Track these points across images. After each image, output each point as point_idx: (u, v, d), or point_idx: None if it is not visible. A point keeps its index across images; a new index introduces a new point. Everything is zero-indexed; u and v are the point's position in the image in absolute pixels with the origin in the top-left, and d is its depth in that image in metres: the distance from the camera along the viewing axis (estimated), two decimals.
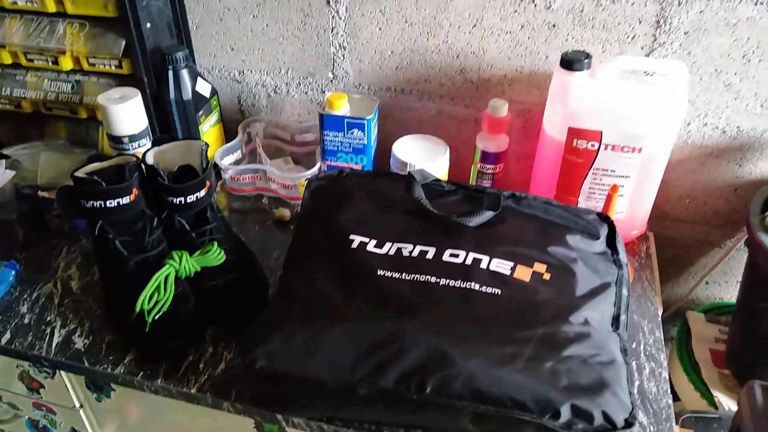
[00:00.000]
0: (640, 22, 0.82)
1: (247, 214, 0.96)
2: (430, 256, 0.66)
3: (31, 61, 0.93)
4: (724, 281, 1.04)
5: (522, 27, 0.87)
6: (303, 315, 0.63)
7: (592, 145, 0.80)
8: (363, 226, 0.71)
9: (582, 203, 0.85)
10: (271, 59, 1.02)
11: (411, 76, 0.97)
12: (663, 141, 0.80)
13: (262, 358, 0.60)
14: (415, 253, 0.67)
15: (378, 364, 0.57)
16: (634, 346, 0.73)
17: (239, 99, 1.09)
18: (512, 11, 0.86)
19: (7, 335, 0.73)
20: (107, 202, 0.70)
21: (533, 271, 0.65)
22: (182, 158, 0.79)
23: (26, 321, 0.75)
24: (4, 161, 0.90)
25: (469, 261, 0.65)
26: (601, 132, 0.78)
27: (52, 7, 0.88)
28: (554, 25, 0.85)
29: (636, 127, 0.77)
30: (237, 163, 1.03)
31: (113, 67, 0.91)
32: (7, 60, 0.93)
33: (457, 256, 0.66)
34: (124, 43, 0.88)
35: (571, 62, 0.78)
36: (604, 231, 0.73)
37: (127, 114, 0.84)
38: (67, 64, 0.91)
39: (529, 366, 0.56)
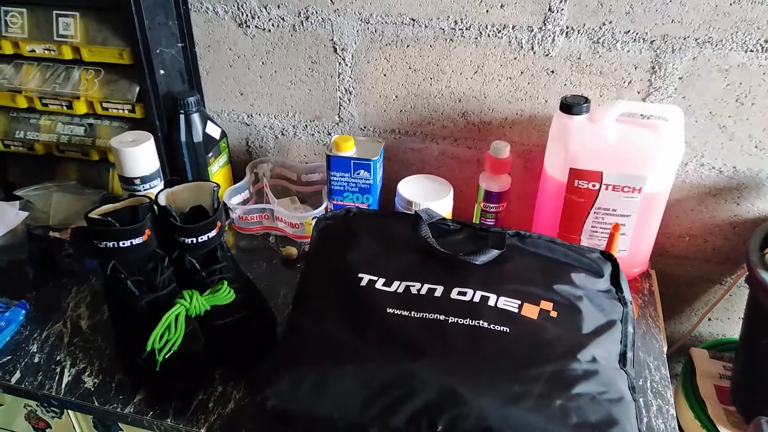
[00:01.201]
0: (635, 68, 0.86)
1: (255, 252, 0.97)
2: (438, 294, 0.67)
3: (46, 105, 0.95)
4: (726, 317, 1.05)
5: (522, 73, 0.90)
6: (312, 355, 0.64)
7: (593, 186, 0.82)
8: (371, 264, 0.72)
9: (584, 241, 0.87)
10: (279, 103, 1.05)
11: (415, 118, 1.00)
12: (662, 181, 0.82)
13: (273, 397, 0.60)
14: (423, 291, 0.68)
15: (389, 405, 0.58)
16: (640, 383, 0.74)
17: (247, 141, 1.12)
18: (512, 58, 0.89)
19: (17, 374, 0.74)
20: (120, 243, 0.72)
21: (540, 309, 0.66)
22: (193, 199, 0.81)
23: (36, 360, 0.76)
24: (17, 202, 0.92)
25: (476, 299, 0.66)
26: (602, 173, 0.81)
27: (68, 55, 0.92)
28: (553, 71, 0.89)
29: (635, 168, 0.80)
30: (245, 202, 1.05)
31: (126, 112, 0.94)
32: (23, 104, 0.96)
33: (464, 293, 0.67)
34: (138, 89, 0.91)
35: (570, 106, 0.81)
36: (607, 269, 0.74)
37: (140, 156, 0.86)
38: (81, 108, 0.94)
39: (540, 404, 0.56)
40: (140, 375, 0.73)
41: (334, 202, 0.96)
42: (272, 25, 0.97)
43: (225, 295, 0.76)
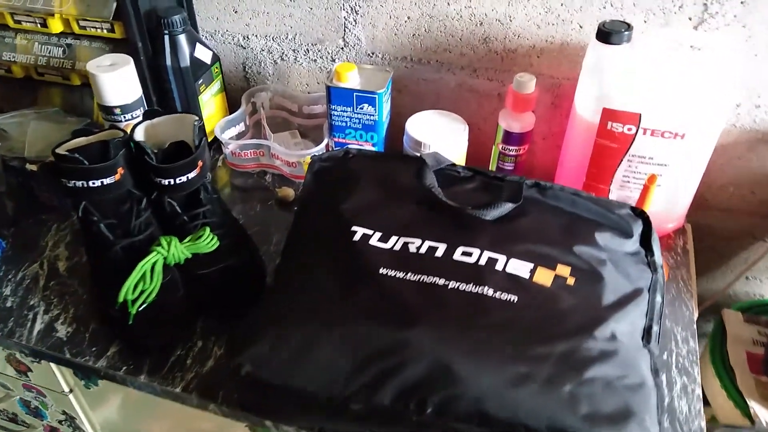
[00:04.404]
0: None
1: (249, 192, 0.90)
2: (439, 253, 0.59)
3: (19, 23, 0.86)
4: (766, 277, 0.95)
5: None
6: (297, 315, 0.57)
7: (629, 129, 0.71)
8: (367, 215, 0.64)
9: (614, 193, 0.77)
10: (277, 23, 0.94)
11: (429, 44, 0.88)
12: (710, 125, 0.71)
13: (249, 363, 0.54)
14: (422, 250, 0.60)
15: (375, 378, 0.51)
16: (665, 357, 0.66)
17: (244, 66, 1.01)
18: None
19: None
20: (90, 182, 0.65)
21: (556, 275, 0.58)
22: (175, 133, 0.72)
23: (8, 304, 0.71)
24: None
25: (483, 261, 0.58)
26: (640, 115, 0.69)
27: None
28: None
29: (680, 109, 0.68)
30: (240, 136, 0.96)
31: (105, 31, 0.84)
32: None
33: (470, 254, 0.59)
34: (115, 4, 0.81)
35: (608, 34, 0.69)
36: (638, 228, 0.65)
37: (118, 83, 0.77)
38: (56, 26, 0.85)
39: (546, 389, 0.49)
40: (115, 326, 0.67)
41: (335, 140, 0.87)
42: None
43: (207, 242, 0.69)
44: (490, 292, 0.55)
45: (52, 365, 0.76)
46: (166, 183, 0.67)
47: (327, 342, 0.54)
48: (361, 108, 0.82)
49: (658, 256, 0.64)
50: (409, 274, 0.57)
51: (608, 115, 0.71)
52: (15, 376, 0.82)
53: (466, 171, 0.70)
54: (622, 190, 0.76)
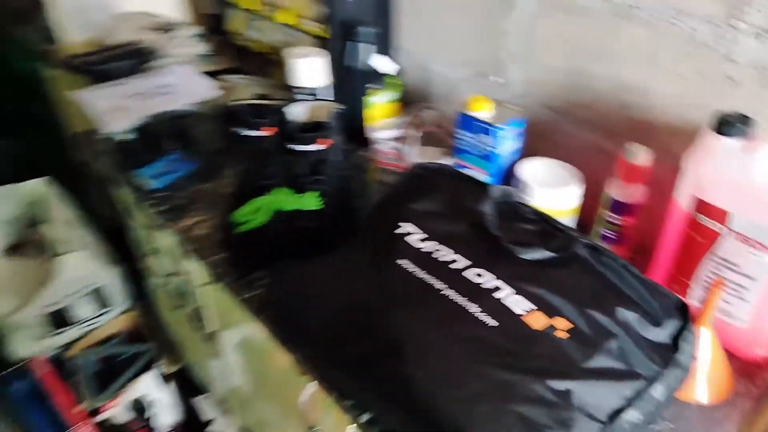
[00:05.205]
0: None
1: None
2: (456, 266, 0.65)
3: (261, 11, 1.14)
4: None
5: (696, 73, 0.75)
6: (323, 267, 0.71)
7: (716, 226, 0.66)
8: (422, 218, 0.73)
9: (695, 292, 0.72)
10: (454, 53, 1.06)
11: (572, 98, 0.91)
12: None
13: (277, 291, 0.69)
14: (445, 259, 0.67)
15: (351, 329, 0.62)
16: None
17: (420, 84, 1.16)
18: (687, 53, 0.75)
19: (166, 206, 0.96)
20: (249, 131, 0.86)
21: (551, 324, 0.60)
22: (324, 117, 0.90)
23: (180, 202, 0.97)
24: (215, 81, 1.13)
25: (487, 285, 0.63)
26: (729, 213, 0.65)
27: None
28: (734, 80, 0.72)
29: None
30: (397, 141, 1.10)
31: (317, 29, 1.07)
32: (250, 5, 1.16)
33: (480, 276, 0.64)
34: (327, 10, 1.03)
35: (720, 123, 0.66)
36: (673, 322, 0.62)
37: (302, 69, 0.99)
38: (284, 18, 1.10)
39: (468, 402, 0.53)
40: (227, 238, 0.88)
41: (457, 161, 0.96)
42: None
43: (310, 202, 0.85)
44: (475, 310, 0.60)
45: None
46: (293, 148, 0.85)
47: (332, 294, 0.65)
48: (480, 137, 0.90)
49: (684, 357, 0.60)
50: (417, 271, 0.65)
51: (699, 205, 0.68)
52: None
53: (533, 213, 0.74)
54: (703, 290, 0.71)
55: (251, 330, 0.96)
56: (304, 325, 0.69)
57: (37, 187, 1.60)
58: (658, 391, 0.58)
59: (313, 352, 0.69)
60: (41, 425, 1.36)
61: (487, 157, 0.91)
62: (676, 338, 0.61)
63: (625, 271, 0.65)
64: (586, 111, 0.91)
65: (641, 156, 0.78)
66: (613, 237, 0.85)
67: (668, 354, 0.60)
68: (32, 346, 1.48)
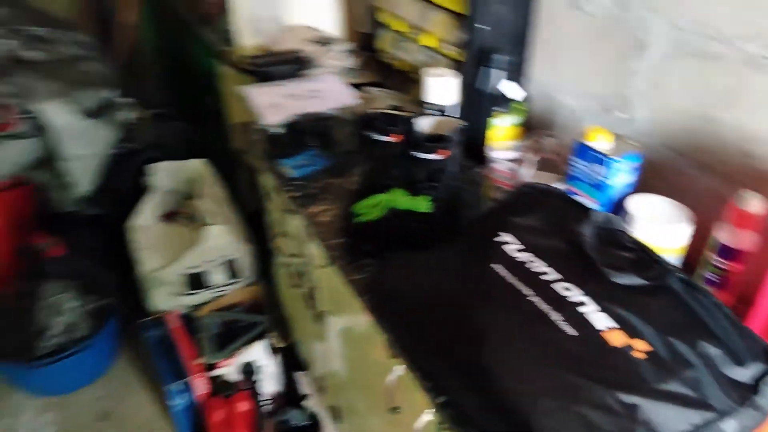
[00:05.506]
0: None
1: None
2: (546, 278, 0.71)
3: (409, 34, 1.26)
4: None
5: None
6: (421, 270, 0.79)
7: None
8: (521, 231, 0.79)
9: None
10: (580, 86, 1.11)
11: (694, 141, 0.92)
12: None
13: (380, 277, 0.79)
14: (537, 270, 0.72)
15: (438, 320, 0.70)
16: None
17: (544, 113, 1.21)
18: None
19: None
20: (380, 136, 0.98)
21: (629, 343, 0.63)
22: (447, 131, 1.00)
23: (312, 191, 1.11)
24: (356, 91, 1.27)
25: (573, 299, 0.68)
26: None
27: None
28: None
29: None
30: (512, 161, 1.17)
31: (455, 53, 1.17)
32: (399, 27, 1.29)
33: (568, 290, 0.69)
34: (466, 36, 1.12)
35: None
36: (759, 366, 0.62)
37: (435, 87, 1.09)
38: (427, 41, 1.21)
39: (536, 393, 0.59)
40: (347, 222, 1.00)
41: (569, 187, 1.00)
42: (596, 8, 1.02)
43: (421, 205, 0.94)
44: (557, 318, 0.65)
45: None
46: (415, 155, 0.95)
47: (428, 286, 0.74)
48: (594, 167, 0.93)
49: (764, 400, 0.61)
50: (509, 276, 0.71)
51: None
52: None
53: (632, 242, 0.77)
54: None
55: (355, 319, 1.06)
56: (400, 309, 0.78)
57: (196, 166, 1.86)
58: (730, 426, 0.59)
59: (405, 335, 0.77)
60: (166, 369, 1.57)
61: (598, 186, 0.95)
62: (759, 381, 0.62)
63: (716, 309, 0.67)
64: (706, 155, 0.91)
65: (755, 203, 0.78)
66: (716, 281, 0.85)
67: (748, 394, 0.61)
68: (170, 301, 1.71)
